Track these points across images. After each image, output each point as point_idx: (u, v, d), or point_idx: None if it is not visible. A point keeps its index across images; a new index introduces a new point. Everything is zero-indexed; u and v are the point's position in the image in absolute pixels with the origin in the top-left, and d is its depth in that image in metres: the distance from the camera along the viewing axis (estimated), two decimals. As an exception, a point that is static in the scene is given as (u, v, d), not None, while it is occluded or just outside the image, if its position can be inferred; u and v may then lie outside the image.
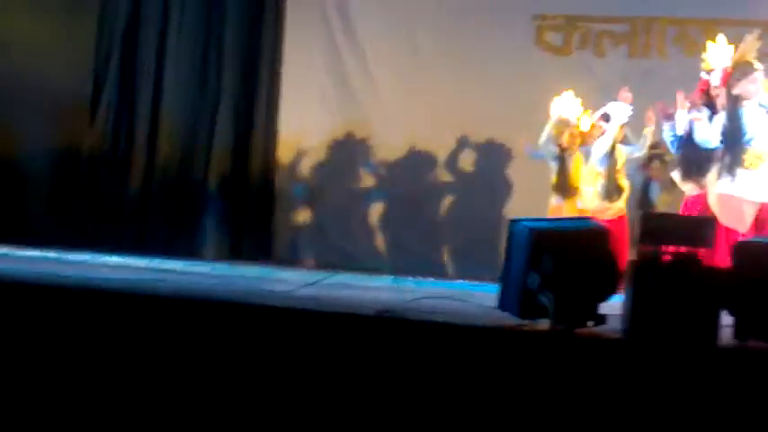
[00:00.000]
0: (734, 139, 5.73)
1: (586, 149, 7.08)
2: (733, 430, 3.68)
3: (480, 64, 7.92)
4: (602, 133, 6.92)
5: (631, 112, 6.89)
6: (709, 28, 7.68)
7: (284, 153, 8.17)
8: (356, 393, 3.74)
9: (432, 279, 6.95)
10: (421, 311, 4.18)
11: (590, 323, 4.07)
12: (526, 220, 4.07)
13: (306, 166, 8.24)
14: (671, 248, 3.91)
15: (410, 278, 6.71)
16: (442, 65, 8.00)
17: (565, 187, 7.06)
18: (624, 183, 6.97)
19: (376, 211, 8.18)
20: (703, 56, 6.21)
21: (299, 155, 8.20)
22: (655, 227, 3.93)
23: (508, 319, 4.06)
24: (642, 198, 7.13)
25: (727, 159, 5.70)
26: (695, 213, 5.85)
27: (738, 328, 3.99)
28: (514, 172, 7.99)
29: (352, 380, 3.75)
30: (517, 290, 4.03)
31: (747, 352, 3.90)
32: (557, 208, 7.02)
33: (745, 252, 4.04)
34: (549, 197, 7.13)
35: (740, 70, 5.94)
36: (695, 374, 3.80)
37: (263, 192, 8.03)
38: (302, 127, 8.14)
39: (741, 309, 3.99)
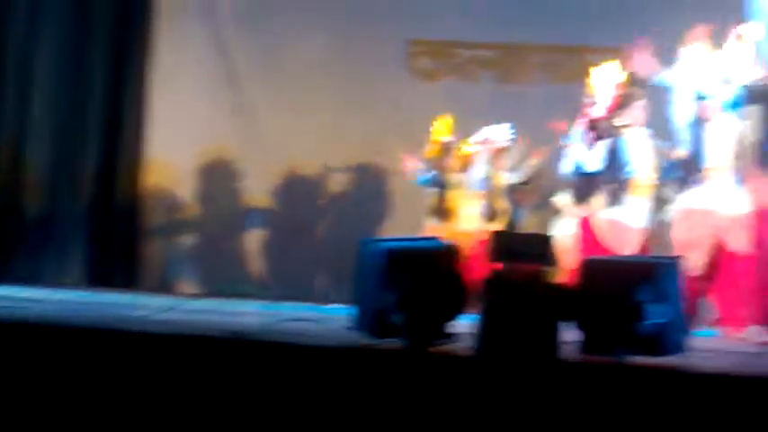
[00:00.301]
0: (616, 167, 6.00)
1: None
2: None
3: (355, 87, 7.97)
4: (480, 157, 7.09)
5: (511, 136, 7.07)
6: (575, 54, 8.00)
7: (154, 177, 8.12)
8: (207, 414, 3.76)
9: (309, 303, 6.98)
10: (277, 334, 4.22)
11: (441, 341, 4.18)
12: (377, 240, 4.15)
13: (178, 191, 8.18)
14: (521, 266, 4.05)
15: (286, 303, 6.72)
16: (317, 87, 8.05)
17: (443, 210, 7.18)
18: (504, 205, 7.13)
19: (252, 235, 8.16)
20: (588, 81, 6.41)
21: (171, 179, 8.15)
22: (503, 245, 4.05)
23: (362, 339, 4.13)
24: (509, 222, 7.31)
25: (612, 186, 5.94)
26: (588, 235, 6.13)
27: (586, 343, 4.14)
28: (391, 195, 8.09)
29: (203, 401, 3.76)
30: (371, 310, 4.10)
31: (589, 366, 4.05)
32: (434, 230, 7.09)
33: (592, 269, 4.19)
34: (426, 220, 7.23)
35: (623, 99, 6.20)
36: (539, 388, 3.93)
37: (129, 217, 7.96)
38: (173, 150, 8.08)
39: (586, 324, 4.14)
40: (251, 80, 8.09)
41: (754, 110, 5.19)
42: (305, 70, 8.08)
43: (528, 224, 7.13)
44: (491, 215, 6.99)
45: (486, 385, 3.93)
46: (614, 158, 6.07)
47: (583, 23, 7.81)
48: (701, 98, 5.73)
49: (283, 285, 7.89)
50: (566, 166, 6.29)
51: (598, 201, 6.04)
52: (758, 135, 5.03)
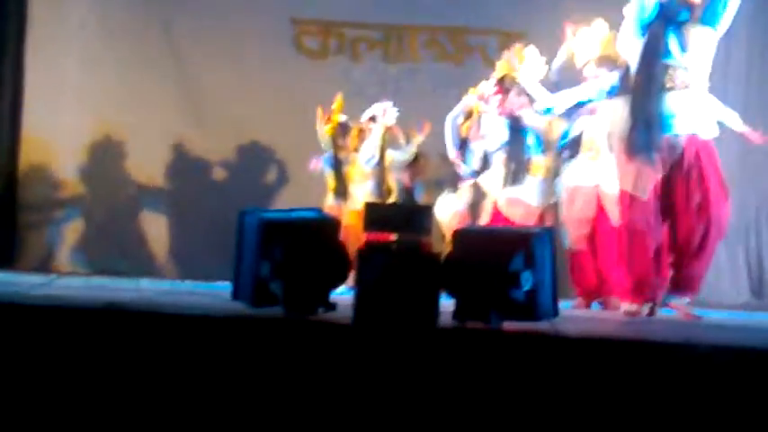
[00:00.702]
0: (514, 148, 6.26)
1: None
2: (452, 404, 3.91)
3: (243, 65, 7.98)
4: (370, 135, 7.15)
5: (397, 114, 7.16)
6: (457, 35, 8.16)
7: (32, 154, 7.97)
8: (80, 386, 3.73)
9: (197, 281, 6.93)
10: (155, 305, 4.21)
11: (321, 310, 4.23)
12: (256, 210, 4.18)
13: (59, 169, 8.03)
14: (393, 236, 4.12)
15: (172, 281, 6.66)
16: (204, 66, 8.01)
17: (343, 190, 7.21)
18: (392, 183, 7.22)
19: (140, 215, 8.08)
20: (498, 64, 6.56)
21: (50, 156, 8.00)
22: (377, 216, 4.12)
23: (241, 309, 4.16)
24: (408, 198, 7.40)
25: (511, 166, 6.18)
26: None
27: (458, 311, 4.24)
28: (285, 174, 8.11)
29: (77, 371, 3.74)
30: (249, 279, 4.13)
31: (465, 331, 4.15)
32: (333, 208, 7.11)
33: (464, 239, 4.29)
34: (325, 199, 7.27)
35: (508, 84, 6.37)
36: (417, 354, 4.02)
37: (6, 197, 7.83)
38: (53, 128, 7.94)
39: (460, 292, 4.24)
40: (130, 55, 7.99)
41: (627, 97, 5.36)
42: (192, 48, 8.04)
43: (424, 200, 7.24)
44: (382, 193, 7.07)
45: (361, 353, 3.99)
46: (515, 137, 6.29)
47: (464, 5, 7.99)
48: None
49: (174, 264, 7.86)
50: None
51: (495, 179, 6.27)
52: (628, 122, 5.21)
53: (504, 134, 6.40)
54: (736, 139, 6.36)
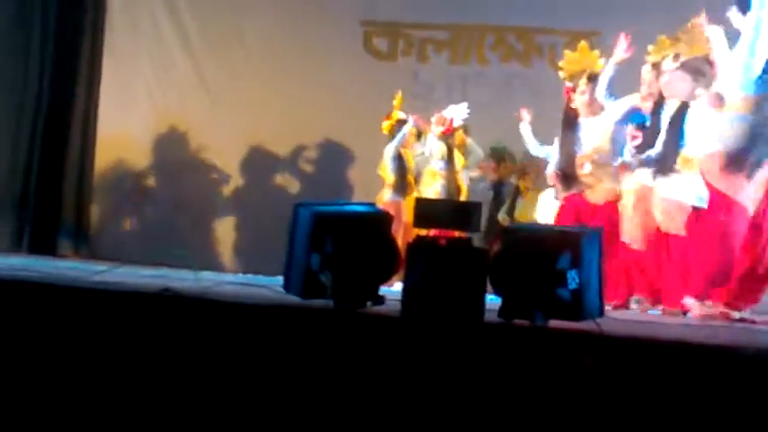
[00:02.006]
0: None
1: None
2: (499, 400, 3.95)
3: (311, 66, 8.10)
4: (443, 135, 7.23)
5: (467, 116, 7.22)
6: (525, 36, 8.17)
7: (105, 152, 8.22)
8: (142, 367, 3.88)
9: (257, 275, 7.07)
10: (210, 293, 4.33)
11: (369, 303, 4.32)
12: (310, 203, 4.28)
13: (130, 166, 8.27)
14: (444, 232, 4.20)
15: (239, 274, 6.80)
16: (272, 65, 8.15)
17: (403, 186, 7.31)
18: (462, 184, 7.29)
19: (211, 213, 8.28)
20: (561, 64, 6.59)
21: (123, 154, 8.24)
22: (426, 212, 4.19)
23: (290, 299, 4.26)
24: (495, 198, 7.45)
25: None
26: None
27: (504, 308, 4.28)
28: (352, 173, 8.23)
29: (139, 354, 3.88)
30: (300, 271, 4.23)
31: (511, 328, 4.19)
32: (390, 204, 7.18)
33: (512, 237, 4.33)
34: (381, 194, 7.36)
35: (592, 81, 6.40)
36: (463, 349, 4.07)
37: (79, 191, 8.10)
38: (126, 125, 8.18)
39: (507, 290, 4.29)
40: (206, 56, 8.21)
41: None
42: (263, 48, 8.21)
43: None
44: (451, 192, 7.13)
45: (408, 346, 4.06)
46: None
47: (534, 5, 8.00)
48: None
49: (237, 258, 8.03)
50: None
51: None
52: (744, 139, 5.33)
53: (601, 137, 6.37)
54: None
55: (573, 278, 4.18)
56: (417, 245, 4.17)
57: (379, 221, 4.34)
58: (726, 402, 3.71)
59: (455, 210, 4.18)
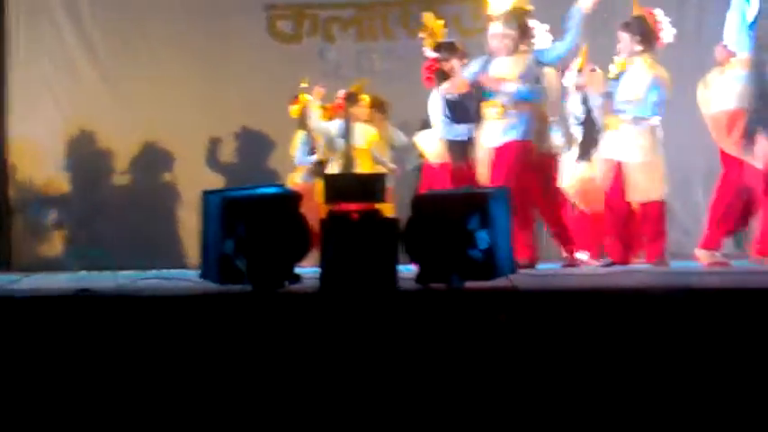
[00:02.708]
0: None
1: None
2: (421, 364, 4.03)
3: (218, 57, 8.10)
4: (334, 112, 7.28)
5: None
6: (429, 7, 8.23)
7: (15, 160, 8.13)
8: (63, 370, 3.88)
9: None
10: (123, 289, 4.35)
11: (287, 283, 4.37)
12: (218, 191, 4.31)
13: (41, 172, 8.18)
14: (353, 205, 4.26)
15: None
16: (179, 62, 8.13)
17: (317, 168, 7.33)
18: (370, 160, 7.33)
19: (123, 210, 8.23)
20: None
21: (32, 160, 8.15)
22: (334, 187, 4.25)
23: (208, 286, 4.30)
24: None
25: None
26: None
27: (420, 275, 4.37)
28: (271, 158, 8.24)
29: (58, 357, 3.89)
30: (215, 258, 4.27)
31: (427, 292, 4.29)
32: (303, 186, 7.21)
33: (423, 204, 4.41)
34: (291, 175, 7.39)
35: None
36: (383, 317, 4.15)
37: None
38: (34, 132, 8.09)
39: (421, 256, 4.37)
40: (109, 53, 8.14)
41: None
42: (167, 40, 8.17)
43: None
44: (348, 169, 7.17)
45: (329, 320, 4.13)
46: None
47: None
48: None
49: (157, 257, 8.01)
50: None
51: None
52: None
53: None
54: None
55: (483, 238, 4.28)
56: (329, 220, 4.23)
57: (289, 201, 4.37)
58: (636, 346, 3.84)
59: (361, 183, 4.24)
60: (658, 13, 6.25)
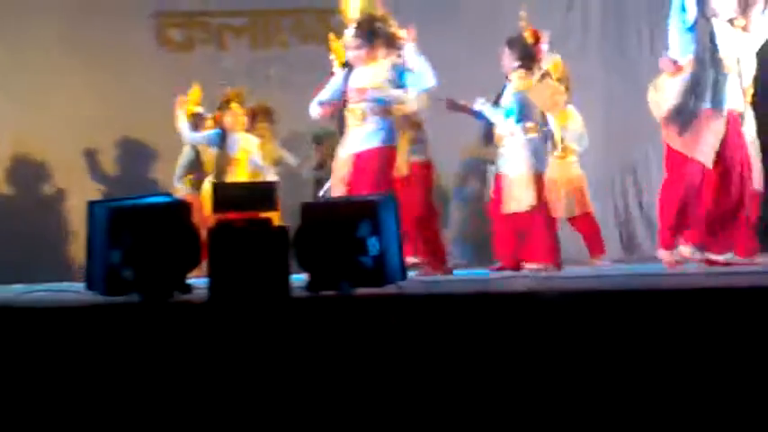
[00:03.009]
0: None
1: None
2: (311, 370, 4.05)
3: (107, 64, 7.97)
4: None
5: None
6: (321, 17, 8.26)
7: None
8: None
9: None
10: (10, 302, 4.26)
11: (177, 293, 4.34)
12: (104, 201, 4.26)
13: None
14: (242, 214, 4.25)
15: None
16: (70, 67, 8.00)
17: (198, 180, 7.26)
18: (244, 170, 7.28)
19: (4, 222, 8.04)
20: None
21: None
22: (225, 196, 4.24)
23: (95, 298, 4.24)
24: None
25: None
26: None
27: (311, 282, 4.39)
28: (156, 169, 8.14)
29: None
30: (102, 269, 4.22)
31: (318, 300, 4.31)
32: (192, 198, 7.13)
33: (312, 212, 4.43)
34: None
35: None
36: (274, 325, 4.16)
37: None
38: None
39: (312, 264, 4.39)
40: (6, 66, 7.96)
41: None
42: (59, 49, 8.02)
43: None
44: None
45: (219, 329, 4.11)
46: None
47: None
48: None
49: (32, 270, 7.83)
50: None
51: None
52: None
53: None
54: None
55: (373, 245, 4.32)
56: (218, 229, 4.22)
57: (178, 211, 4.34)
58: (524, 349, 3.92)
59: (251, 191, 4.24)
60: (543, 33, 6.44)
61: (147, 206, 4.30)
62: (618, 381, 3.77)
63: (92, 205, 4.28)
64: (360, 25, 5.97)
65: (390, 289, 4.34)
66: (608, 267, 6.71)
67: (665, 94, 5.80)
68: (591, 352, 3.84)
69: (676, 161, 5.76)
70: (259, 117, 7.30)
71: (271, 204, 4.24)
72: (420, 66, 5.88)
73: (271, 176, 7.11)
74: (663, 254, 5.82)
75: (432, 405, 3.87)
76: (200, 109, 7.30)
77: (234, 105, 7.07)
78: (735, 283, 4.37)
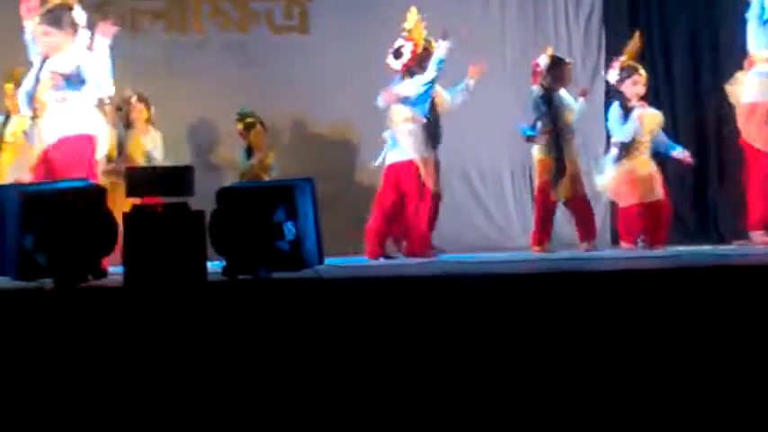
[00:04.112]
0: None
1: None
2: (224, 354, 4.05)
3: (11, 42, 7.66)
4: None
5: None
6: (240, 3, 8.23)
7: None
8: None
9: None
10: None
11: (91, 277, 4.30)
12: (16, 185, 4.20)
13: None
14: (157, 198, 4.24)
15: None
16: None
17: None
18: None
19: None
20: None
21: None
22: (139, 180, 4.21)
23: (7, 283, 4.19)
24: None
25: None
26: None
27: (227, 267, 4.39)
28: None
29: None
30: (14, 254, 4.16)
31: (235, 284, 4.31)
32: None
33: (228, 197, 4.43)
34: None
35: None
36: (190, 310, 4.15)
37: None
38: None
39: (229, 249, 4.39)
40: None
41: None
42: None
43: None
44: None
45: (134, 314, 4.09)
46: None
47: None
48: None
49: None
50: None
51: None
52: None
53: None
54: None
55: (290, 229, 4.34)
56: (133, 214, 4.19)
57: (93, 195, 4.30)
58: (439, 333, 3.98)
59: (167, 176, 4.21)
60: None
61: (59, 190, 4.25)
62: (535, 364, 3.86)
63: (3, 189, 4.22)
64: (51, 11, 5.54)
65: (307, 273, 4.36)
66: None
67: (741, 86, 6.13)
68: (505, 337, 3.93)
69: (753, 153, 6.07)
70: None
71: (187, 189, 4.21)
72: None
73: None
74: (755, 235, 6.13)
75: (346, 389, 3.91)
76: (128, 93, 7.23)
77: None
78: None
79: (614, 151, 6.65)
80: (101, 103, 5.82)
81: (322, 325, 4.08)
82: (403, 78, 6.58)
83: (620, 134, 6.61)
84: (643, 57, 7.03)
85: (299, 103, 7.97)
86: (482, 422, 3.79)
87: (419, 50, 6.57)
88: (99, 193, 4.32)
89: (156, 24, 8.06)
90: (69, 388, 3.95)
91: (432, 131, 6.67)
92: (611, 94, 6.77)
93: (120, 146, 7.18)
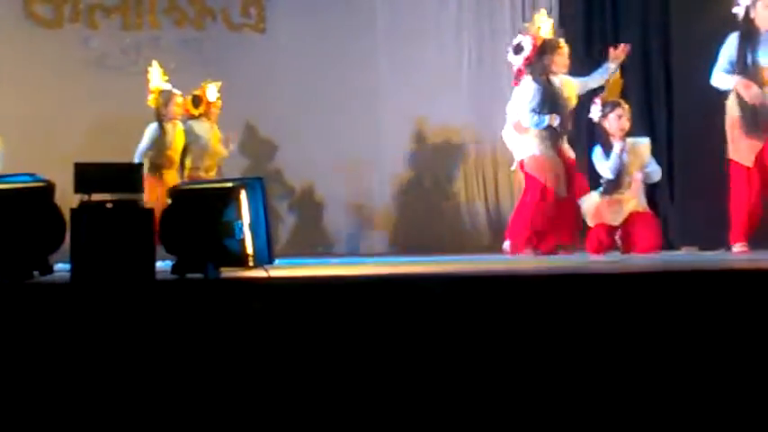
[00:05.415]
0: None
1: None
2: (171, 351, 4.03)
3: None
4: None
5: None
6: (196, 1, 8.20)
7: None
8: None
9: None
10: None
11: (37, 273, 4.26)
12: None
13: None
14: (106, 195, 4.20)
15: None
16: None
17: (164, 158, 7.04)
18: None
19: None
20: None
21: None
22: (87, 176, 4.17)
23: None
24: None
25: None
26: None
27: (177, 265, 4.37)
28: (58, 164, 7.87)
29: None
30: (-42, 249, 4.10)
31: (184, 282, 4.29)
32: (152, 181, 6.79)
33: (180, 196, 4.41)
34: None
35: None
36: (137, 308, 4.12)
37: None
38: None
39: (178, 247, 4.37)
40: None
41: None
42: None
43: None
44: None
45: (80, 311, 4.05)
46: None
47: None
48: None
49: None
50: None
51: None
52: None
53: None
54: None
55: (240, 228, 4.33)
56: (81, 210, 4.15)
57: (40, 191, 4.26)
58: (394, 335, 3.99)
59: (117, 172, 4.18)
60: None
61: (6, 186, 4.20)
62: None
63: (-54, 186, 4.16)
64: None
65: (257, 272, 4.35)
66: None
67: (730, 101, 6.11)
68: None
69: (735, 167, 6.11)
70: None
71: (135, 186, 4.19)
72: None
73: None
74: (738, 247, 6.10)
75: (294, 386, 3.90)
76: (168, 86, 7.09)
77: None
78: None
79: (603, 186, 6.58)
80: None
81: (270, 324, 4.08)
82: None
83: (605, 172, 6.50)
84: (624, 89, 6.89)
85: (253, 101, 7.95)
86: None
87: (539, 43, 6.58)
88: (47, 189, 4.28)
89: (110, 20, 7.99)
90: (13, 385, 3.92)
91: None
92: (596, 134, 6.63)
93: None
